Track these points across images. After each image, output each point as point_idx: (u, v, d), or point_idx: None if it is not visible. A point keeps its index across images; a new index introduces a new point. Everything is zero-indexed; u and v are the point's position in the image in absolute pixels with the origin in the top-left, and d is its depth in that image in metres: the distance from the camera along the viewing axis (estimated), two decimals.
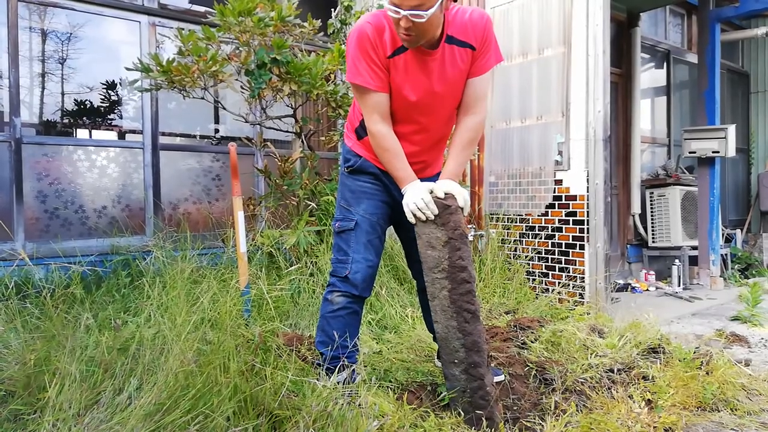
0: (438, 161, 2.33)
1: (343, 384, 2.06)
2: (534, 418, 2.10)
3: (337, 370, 2.11)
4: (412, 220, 2.04)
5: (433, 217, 2.00)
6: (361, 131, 2.19)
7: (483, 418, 1.98)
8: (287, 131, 4.00)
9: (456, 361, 2.04)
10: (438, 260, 2.02)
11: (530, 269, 4.30)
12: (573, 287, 4.01)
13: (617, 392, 2.31)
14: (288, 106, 3.88)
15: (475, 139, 2.15)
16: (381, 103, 2.01)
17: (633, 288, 5.27)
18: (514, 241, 4.43)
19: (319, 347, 2.20)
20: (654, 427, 2.06)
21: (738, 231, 6.75)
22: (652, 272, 5.62)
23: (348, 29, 4.17)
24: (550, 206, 4.18)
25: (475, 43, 2.03)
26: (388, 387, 2.31)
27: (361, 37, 1.94)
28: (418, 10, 1.79)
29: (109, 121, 4.29)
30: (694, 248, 5.63)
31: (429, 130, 2.15)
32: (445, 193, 2.01)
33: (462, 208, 2.02)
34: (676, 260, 5.40)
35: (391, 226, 2.39)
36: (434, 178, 2.19)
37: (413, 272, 2.46)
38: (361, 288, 2.16)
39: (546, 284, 4.20)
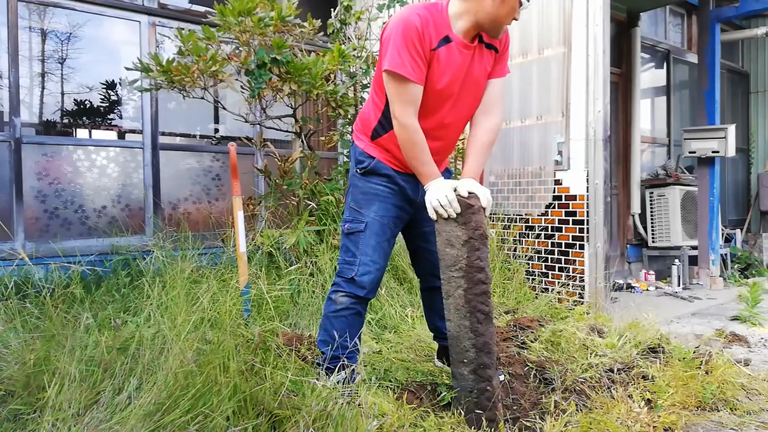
0: (446, 161, 2.36)
1: (343, 384, 2.07)
2: (534, 418, 2.10)
3: (336, 369, 2.11)
4: (433, 216, 2.04)
5: (455, 216, 2.00)
6: (380, 130, 2.16)
7: (484, 419, 1.98)
8: (287, 131, 4.00)
9: (465, 360, 2.04)
10: (456, 259, 2.02)
11: (530, 269, 4.30)
12: (573, 287, 4.01)
13: (617, 392, 2.31)
14: (288, 106, 3.88)
15: (494, 141, 2.20)
16: (417, 97, 2.01)
17: (633, 288, 5.27)
18: (514, 240, 4.43)
19: (320, 346, 2.21)
20: (654, 426, 2.06)
21: (738, 231, 6.75)
22: (651, 272, 5.62)
23: (348, 29, 4.16)
24: (550, 206, 4.18)
25: (498, 46, 2.14)
26: (387, 387, 2.31)
27: (409, 27, 1.92)
28: None
29: (108, 121, 4.28)
30: (694, 248, 5.63)
31: (450, 128, 2.17)
32: (469, 193, 2.01)
33: (484, 209, 2.03)
34: (676, 260, 5.40)
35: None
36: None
37: (419, 271, 2.45)
38: (366, 290, 2.15)
39: (546, 284, 4.20)
